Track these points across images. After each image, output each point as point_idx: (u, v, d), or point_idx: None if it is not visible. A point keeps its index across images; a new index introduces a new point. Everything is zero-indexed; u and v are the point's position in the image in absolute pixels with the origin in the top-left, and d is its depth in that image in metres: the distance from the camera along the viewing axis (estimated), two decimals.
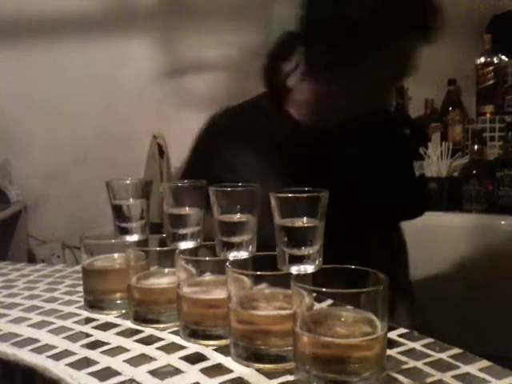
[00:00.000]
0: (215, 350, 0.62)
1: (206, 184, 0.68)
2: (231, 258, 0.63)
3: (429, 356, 0.58)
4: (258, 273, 0.62)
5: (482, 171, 1.82)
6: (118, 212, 0.75)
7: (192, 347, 0.63)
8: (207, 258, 0.70)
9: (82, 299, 0.81)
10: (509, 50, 2.06)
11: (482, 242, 1.66)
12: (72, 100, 2.28)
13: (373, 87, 1.01)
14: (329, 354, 0.50)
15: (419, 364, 0.57)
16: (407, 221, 1.18)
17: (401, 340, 0.63)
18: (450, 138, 2.06)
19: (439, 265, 1.65)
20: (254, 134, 1.04)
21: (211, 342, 0.63)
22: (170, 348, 0.63)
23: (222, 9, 2.31)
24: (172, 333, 0.68)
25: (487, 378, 0.53)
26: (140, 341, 0.66)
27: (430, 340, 0.62)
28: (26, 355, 0.63)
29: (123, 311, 0.75)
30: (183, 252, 0.68)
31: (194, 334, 0.65)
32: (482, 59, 2.06)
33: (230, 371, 0.57)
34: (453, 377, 0.54)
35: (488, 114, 2.04)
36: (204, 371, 0.57)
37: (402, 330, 0.65)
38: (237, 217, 0.64)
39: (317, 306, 0.61)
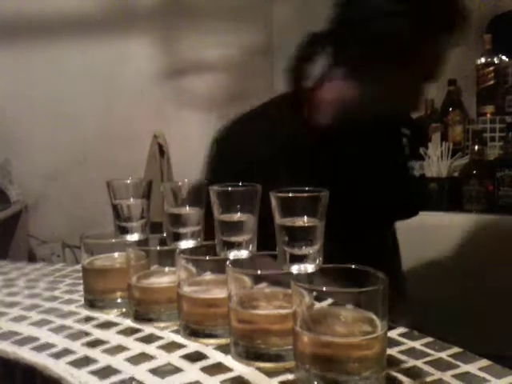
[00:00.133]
0: (215, 348, 0.62)
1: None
2: (231, 258, 0.63)
3: (429, 355, 0.59)
4: (259, 273, 0.62)
5: (483, 171, 1.82)
6: (119, 212, 0.75)
7: (192, 346, 0.63)
8: (207, 258, 0.70)
9: (82, 298, 0.81)
10: (509, 51, 2.06)
11: (482, 242, 1.66)
12: (72, 100, 2.28)
13: (400, 89, 1.01)
14: (329, 353, 0.50)
15: (419, 363, 0.57)
16: (402, 220, 1.19)
17: (401, 339, 0.63)
18: (450, 139, 2.06)
19: (439, 265, 1.65)
20: (264, 142, 1.04)
21: (211, 341, 0.63)
22: (171, 347, 0.63)
23: (222, 9, 2.32)
24: (172, 332, 0.68)
25: (487, 377, 0.54)
26: (140, 339, 0.66)
27: (429, 339, 0.62)
28: (26, 354, 0.64)
29: (123, 310, 0.75)
30: (183, 251, 0.68)
31: (195, 334, 0.65)
32: (483, 59, 2.06)
33: (230, 370, 0.57)
34: (452, 376, 0.54)
35: (488, 115, 2.05)
36: (204, 370, 0.57)
37: (402, 330, 0.65)
38: (237, 216, 0.64)
39: (317, 305, 0.61)
